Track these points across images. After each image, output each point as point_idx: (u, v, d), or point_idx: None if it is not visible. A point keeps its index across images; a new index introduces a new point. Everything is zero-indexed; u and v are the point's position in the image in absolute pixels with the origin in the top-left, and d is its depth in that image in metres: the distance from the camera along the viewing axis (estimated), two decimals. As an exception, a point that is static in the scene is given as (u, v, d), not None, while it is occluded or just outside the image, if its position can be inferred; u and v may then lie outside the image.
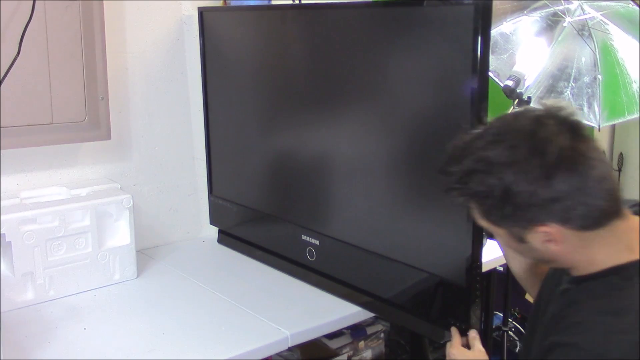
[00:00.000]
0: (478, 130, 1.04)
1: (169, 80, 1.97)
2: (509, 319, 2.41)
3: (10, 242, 1.52)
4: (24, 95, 1.55)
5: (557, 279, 1.14)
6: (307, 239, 1.67)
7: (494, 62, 2.07)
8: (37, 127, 1.58)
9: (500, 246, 1.35)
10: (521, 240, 1.03)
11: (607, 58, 2.10)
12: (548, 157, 0.94)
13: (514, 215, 0.99)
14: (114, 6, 1.80)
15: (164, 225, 2.03)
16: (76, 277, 1.63)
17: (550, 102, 1.02)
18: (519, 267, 1.36)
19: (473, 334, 1.30)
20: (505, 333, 2.28)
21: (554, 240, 1.00)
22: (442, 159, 1.06)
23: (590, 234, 0.99)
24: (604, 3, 2.05)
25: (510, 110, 1.97)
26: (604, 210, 0.97)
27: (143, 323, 1.50)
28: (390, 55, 1.42)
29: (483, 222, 1.06)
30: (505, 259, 1.38)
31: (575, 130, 0.97)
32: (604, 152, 0.99)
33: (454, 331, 1.33)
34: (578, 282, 1.05)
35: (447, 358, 1.30)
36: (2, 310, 1.48)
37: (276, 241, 1.81)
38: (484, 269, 1.35)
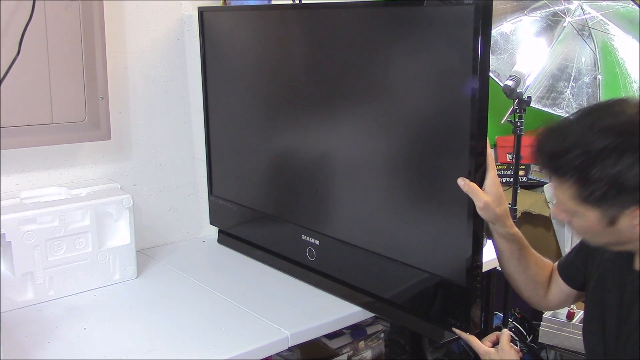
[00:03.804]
0: (574, 114, 1.08)
1: (169, 80, 1.97)
2: (509, 319, 2.41)
3: (10, 242, 1.52)
4: (24, 95, 1.55)
5: (622, 282, 1.17)
6: (307, 239, 1.67)
7: (494, 62, 2.08)
8: (37, 127, 1.58)
9: (494, 248, 1.36)
10: (611, 222, 1.07)
11: (607, 58, 2.10)
12: None
13: (617, 197, 1.03)
14: (114, 6, 1.80)
15: (164, 225, 2.03)
16: (76, 277, 1.63)
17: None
18: (514, 269, 1.36)
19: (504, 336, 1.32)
20: (505, 333, 2.27)
21: None
22: (540, 145, 1.10)
23: None
24: (604, 3, 2.05)
25: (510, 110, 1.97)
26: None
27: (143, 323, 1.50)
28: (391, 55, 1.42)
29: (574, 206, 1.09)
30: (499, 261, 1.38)
31: None
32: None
33: (464, 334, 1.33)
34: None
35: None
36: (2, 310, 1.48)
37: (276, 241, 1.81)
38: (484, 269, 1.35)
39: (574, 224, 1.14)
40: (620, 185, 1.01)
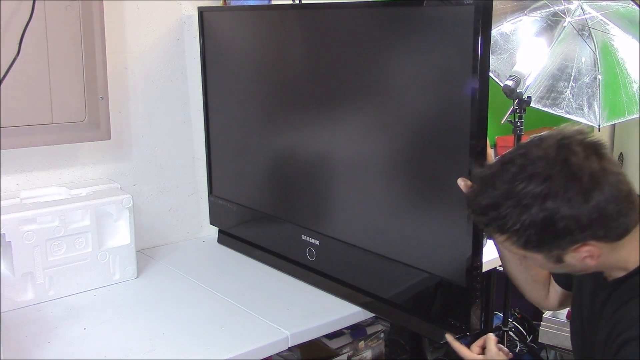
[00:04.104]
0: (497, 164, 1.07)
1: (169, 80, 1.97)
2: (509, 319, 2.41)
3: (10, 242, 1.52)
4: (24, 95, 1.55)
5: (595, 291, 1.18)
6: (307, 239, 1.67)
7: (494, 62, 2.07)
8: (37, 127, 1.58)
9: (497, 249, 1.36)
10: (559, 261, 1.08)
11: (607, 58, 2.10)
12: (584, 182, 0.99)
13: (554, 240, 1.03)
14: (114, 6, 1.80)
15: (164, 225, 2.03)
16: (76, 277, 1.63)
17: (566, 126, 1.07)
18: (515, 269, 1.36)
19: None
20: (505, 333, 2.28)
21: (593, 256, 1.05)
22: (471, 199, 1.10)
23: (622, 241, 1.05)
24: (604, 3, 2.05)
25: (510, 110, 1.97)
26: (634, 220, 1.04)
27: (143, 323, 1.50)
28: (390, 56, 1.42)
29: (518, 251, 1.09)
30: (502, 261, 1.38)
31: (599, 151, 1.03)
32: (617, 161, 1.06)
33: (454, 343, 1.32)
34: (619, 283, 1.11)
35: None
36: (2, 310, 1.48)
37: (276, 241, 1.81)
38: (484, 269, 1.35)
39: (529, 261, 1.15)
40: (552, 229, 1.01)
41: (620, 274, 1.10)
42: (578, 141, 1.03)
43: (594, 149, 1.02)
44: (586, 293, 1.22)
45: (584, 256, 1.05)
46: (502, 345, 1.30)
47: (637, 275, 1.08)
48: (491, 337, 1.30)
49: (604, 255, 1.06)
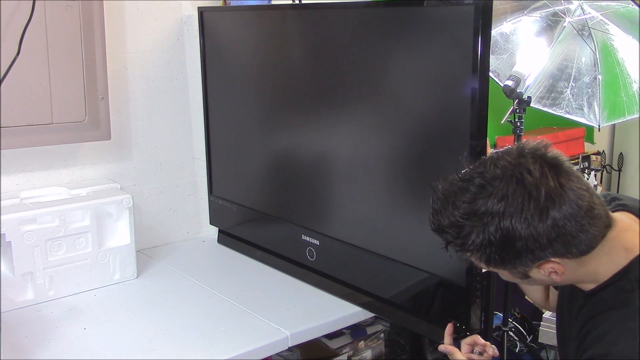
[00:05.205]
0: (457, 180, 1.06)
1: (169, 80, 1.97)
2: (509, 319, 2.41)
3: (10, 242, 1.52)
4: (24, 95, 1.55)
5: (572, 296, 1.17)
6: (307, 239, 1.67)
7: (494, 62, 2.07)
8: (37, 127, 1.58)
9: None
10: (525, 276, 1.07)
11: (607, 58, 2.09)
12: (540, 200, 0.97)
13: (516, 258, 1.02)
14: (114, 6, 1.80)
15: (164, 225, 2.03)
16: (76, 277, 1.63)
17: (527, 141, 1.04)
18: None
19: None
20: (505, 333, 2.28)
21: (557, 272, 1.04)
22: (432, 217, 1.09)
23: (588, 255, 1.04)
24: (604, 3, 2.04)
25: (510, 110, 1.97)
26: (597, 235, 1.02)
27: (143, 323, 1.50)
28: (391, 56, 1.42)
29: (484, 266, 1.09)
30: None
31: (557, 167, 1.00)
32: (580, 175, 1.04)
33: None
34: (590, 296, 1.09)
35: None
36: (2, 310, 1.48)
37: (276, 241, 1.81)
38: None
39: (502, 276, 1.14)
40: (511, 248, 1.00)
41: (592, 285, 1.09)
42: (535, 158, 1.00)
43: (552, 165, 1.00)
44: (567, 296, 1.21)
45: (549, 272, 1.05)
46: (488, 343, 1.29)
47: (607, 289, 1.06)
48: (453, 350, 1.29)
49: (570, 271, 1.05)
